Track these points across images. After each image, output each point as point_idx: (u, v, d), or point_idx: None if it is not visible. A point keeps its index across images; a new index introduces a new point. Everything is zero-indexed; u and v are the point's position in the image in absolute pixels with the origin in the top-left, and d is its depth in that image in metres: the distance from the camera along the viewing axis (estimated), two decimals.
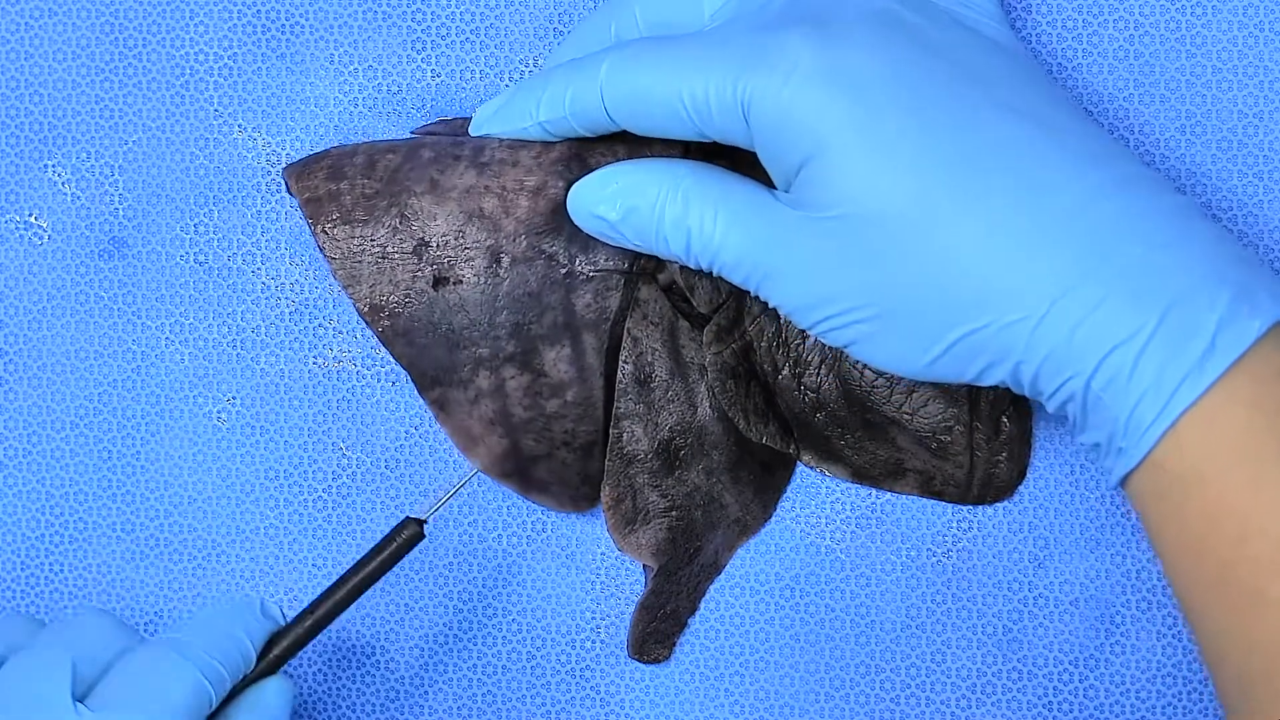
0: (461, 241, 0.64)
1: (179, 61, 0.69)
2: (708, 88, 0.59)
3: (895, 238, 0.57)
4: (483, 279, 0.64)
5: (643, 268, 0.64)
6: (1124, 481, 0.58)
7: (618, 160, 0.63)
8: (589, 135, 0.63)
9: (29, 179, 0.69)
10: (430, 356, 0.65)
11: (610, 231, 0.62)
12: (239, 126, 0.68)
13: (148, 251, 0.69)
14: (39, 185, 0.69)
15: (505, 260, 0.64)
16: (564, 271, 0.64)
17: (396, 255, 0.64)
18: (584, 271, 0.64)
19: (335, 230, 0.64)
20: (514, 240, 0.64)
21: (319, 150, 0.67)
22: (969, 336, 0.57)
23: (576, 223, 0.63)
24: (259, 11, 0.68)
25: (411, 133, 0.68)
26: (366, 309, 0.64)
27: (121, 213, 0.69)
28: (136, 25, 0.69)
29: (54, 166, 0.69)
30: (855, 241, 0.58)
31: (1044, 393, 0.58)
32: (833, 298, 0.59)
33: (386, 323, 0.65)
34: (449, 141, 0.65)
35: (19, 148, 0.69)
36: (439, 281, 0.64)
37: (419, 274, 0.64)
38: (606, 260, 0.64)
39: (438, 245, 0.64)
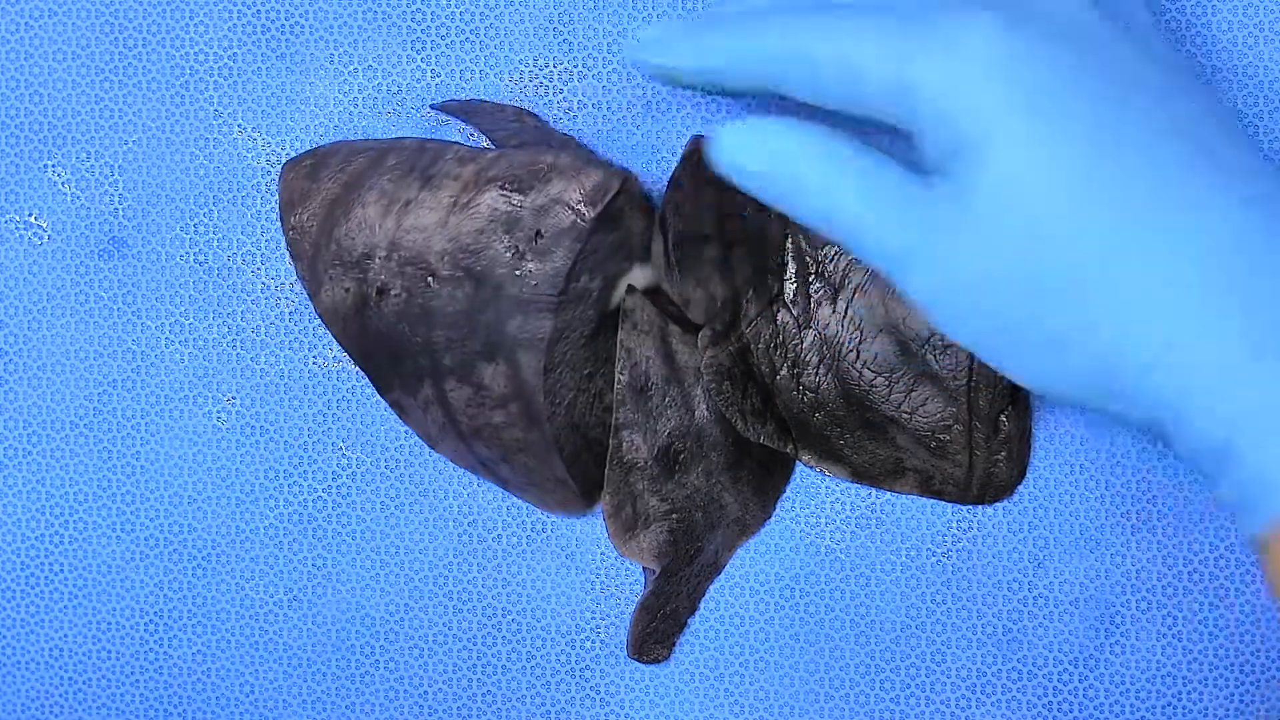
0: (396, 257, 0.65)
1: (179, 61, 0.69)
2: (879, 59, 0.57)
3: (1049, 252, 0.55)
4: (415, 295, 0.65)
5: (581, 292, 0.65)
6: (1260, 538, 0.56)
7: (572, 168, 0.64)
8: (736, 91, 0.60)
9: (29, 179, 0.70)
10: (380, 362, 0.66)
11: (751, 184, 0.59)
12: (239, 126, 0.69)
13: (148, 251, 0.70)
14: (39, 185, 0.70)
15: (435, 279, 0.65)
16: (493, 292, 0.65)
17: (348, 263, 0.66)
18: (513, 294, 0.65)
19: (297, 235, 0.66)
20: (441, 259, 0.65)
21: (316, 146, 0.68)
22: (1115, 372, 0.56)
23: (721, 169, 0.60)
24: (259, 11, 0.69)
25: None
26: (323, 312, 0.66)
27: (121, 213, 0.70)
28: (136, 25, 0.69)
29: (54, 166, 0.70)
30: (1005, 244, 0.56)
31: (1179, 439, 0.56)
32: (972, 289, 0.57)
33: (340, 327, 0.66)
34: (415, 148, 0.66)
35: (19, 148, 0.70)
36: (381, 293, 0.65)
37: (364, 284, 0.65)
38: (537, 285, 0.64)
39: (378, 258, 0.65)
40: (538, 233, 0.64)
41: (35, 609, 0.70)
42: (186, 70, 0.69)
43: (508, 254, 0.65)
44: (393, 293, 0.65)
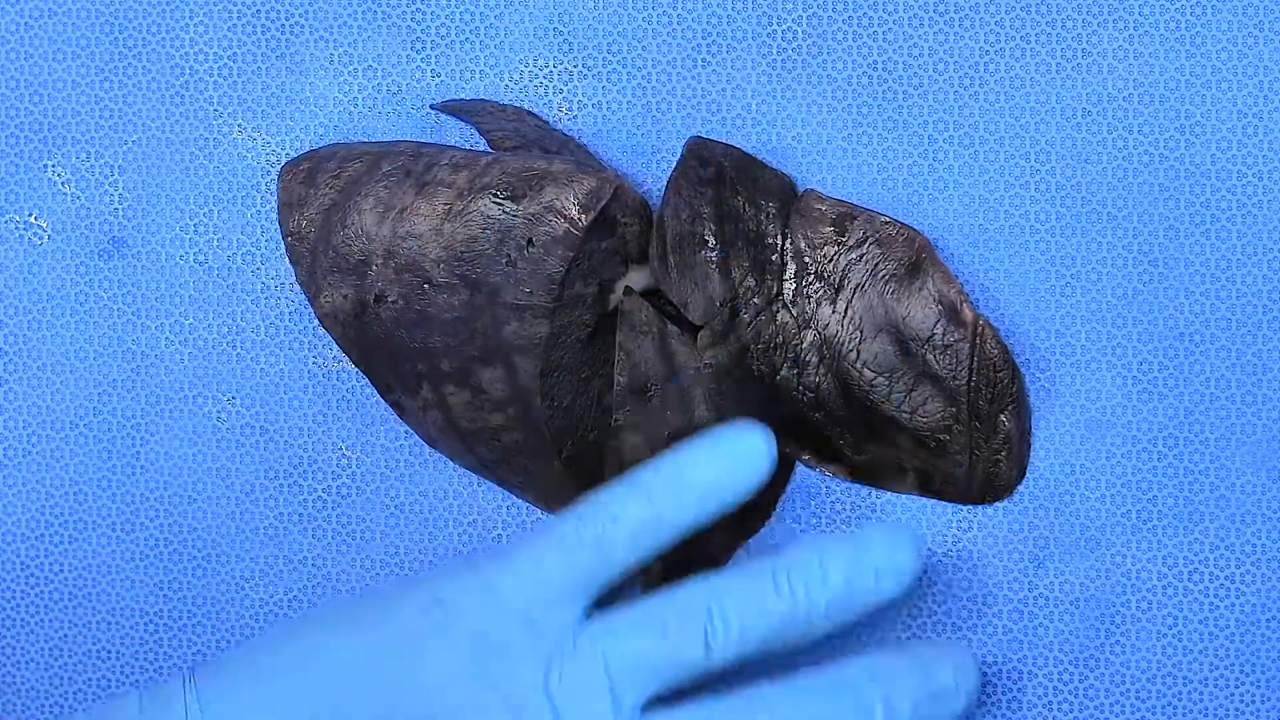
0: (392, 264, 0.65)
1: (179, 61, 0.70)
2: None
3: None
4: (413, 302, 0.65)
5: (576, 297, 0.65)
6: None
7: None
8: None
9: (29, 179, 0.70)
10: (379, 366, 0.66)
11: None
12: (239, 126, 0.70)
13: (148, 251, 0.70)
14: (39, 185, 0.70)
15: (431, 285, 0.65)
16: (488, 299, 0.65)
17: (345, 269, 0.66)
18: (508, 300, 0.65)
19: (295, 241, 0.66)
20: (437, 266, 0.65)
21: (316, 146, 0.69)
22: None
23: None
24: (259, 11, 0.69)
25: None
26: (323, 317, 0.66)
27: (121, 213, 0.70)
28: (136, 25, 0.70)
29: (54, 166, 0.70)
30: None
31: None
32: None
33: (339, 332, 0.66)
34: (410, 153, 0.66)
35: (19, 148, 0.70)
36: (378, 299, 0.66)
37: (362, 290, 0.66)
38: (531, 292, 0.65)
39: (375, 265, 0.66)
40: (530, 240, 0.65)
41: (35, 609, 0.70)
42: (186, 70, 0.70)
43: (502, 261, 0.65)
44: (390, 299, 0.66)
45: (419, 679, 0.61)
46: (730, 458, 0.62)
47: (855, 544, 0.62)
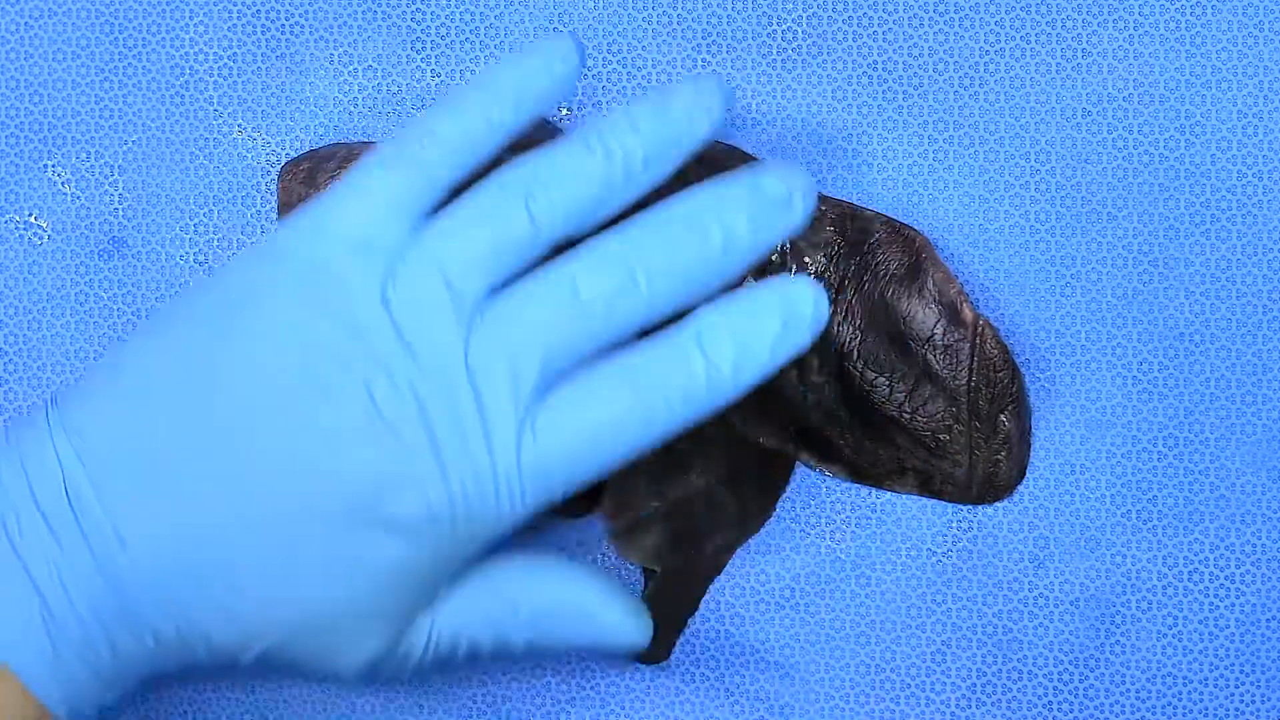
0: None
1: (179, 61, 0.70)
2: None
3: None
4: None
5: None
6: None
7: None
8: None
9: (29, 179, 0.70)
10: None
11: None
12: (239, 126, 0.70)
13: (148, 251, 0.70)
14: (39, 185, 0.70)
15: None
16: None
17: None
18: None
19: None
20: None
21: (316, 146, 0.69)
22: None
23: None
24: (259, 11, 0.69)
25: None
26: None
27: (121, 213, 0.70)
28: (136, 25, 0.70)
29: (54, 166, 0.70)
30: None
31: None
32: None
33: None
34: None
35: (19, 148, 0.70)
36: None
37: None
38: None
39: None
40: None
41: None
42: (186, 70, 0.70)
43: None
44: None
45: (261, 323, 0.60)
46: (539, 59, 0.61)
47: (660, 94, 0.61)
